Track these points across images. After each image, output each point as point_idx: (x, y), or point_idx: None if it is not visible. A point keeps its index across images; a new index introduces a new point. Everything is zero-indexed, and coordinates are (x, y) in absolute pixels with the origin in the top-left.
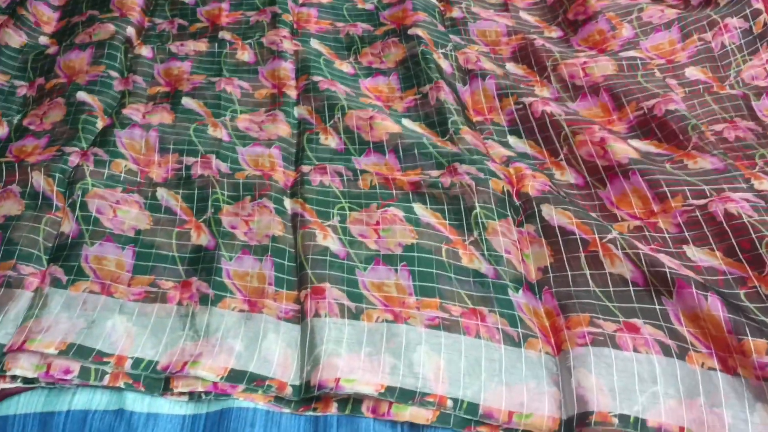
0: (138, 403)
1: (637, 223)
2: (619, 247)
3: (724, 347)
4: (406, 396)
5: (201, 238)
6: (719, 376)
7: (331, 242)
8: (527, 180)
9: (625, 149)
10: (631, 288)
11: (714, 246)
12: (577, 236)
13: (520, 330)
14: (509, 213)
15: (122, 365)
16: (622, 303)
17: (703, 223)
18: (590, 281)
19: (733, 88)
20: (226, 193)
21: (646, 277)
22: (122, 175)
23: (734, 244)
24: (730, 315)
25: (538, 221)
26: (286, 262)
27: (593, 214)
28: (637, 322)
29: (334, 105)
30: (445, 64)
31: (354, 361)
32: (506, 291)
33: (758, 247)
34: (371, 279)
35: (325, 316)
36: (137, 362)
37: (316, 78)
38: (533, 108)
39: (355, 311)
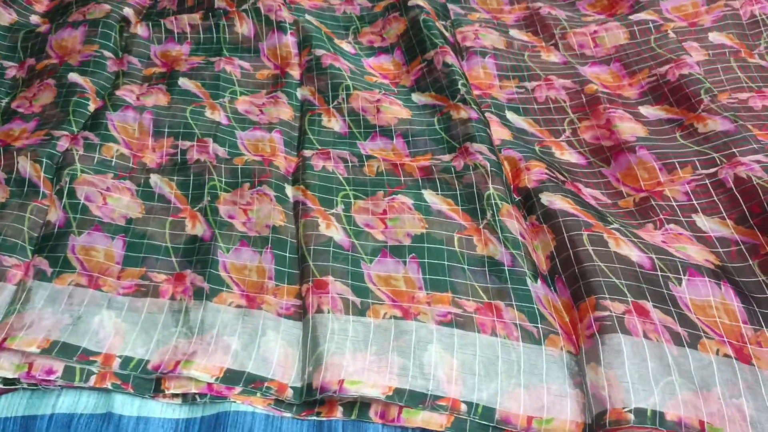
0: (127, 406)
1: (643, 194)
2: (624, 235)
3: (738, 337)
4: (416, 399)
5: (196, 228)
6: (735, 365)
7: (335, 232)
8: (522, 174)
9: (632, 127)
10: (638, 269)
11: (725, 214)
12: (580, 218)
13: (540, 326)
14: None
15: (110, 364)
16: (630, 281)
17: (712, 191)
18: (593, 256)
19: (762, 59)
20: (223, 179)
21: (654, 263)
22: (113, 160)
23: (745, 210)
24: (744, 305)
25: (538, 208)
26: (287, 255)
27: (599, 191)
28: (647, 304)
29: (338, 84)
30: (447, 34)
31: (359, 361)
32: (524, 281)
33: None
34: (378, 272)
35: (328, 312)
36: (126, 361)
37: (318, 52)
38: (536, 93)
39: (360, 307)
